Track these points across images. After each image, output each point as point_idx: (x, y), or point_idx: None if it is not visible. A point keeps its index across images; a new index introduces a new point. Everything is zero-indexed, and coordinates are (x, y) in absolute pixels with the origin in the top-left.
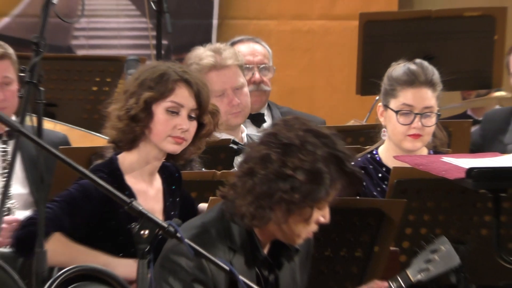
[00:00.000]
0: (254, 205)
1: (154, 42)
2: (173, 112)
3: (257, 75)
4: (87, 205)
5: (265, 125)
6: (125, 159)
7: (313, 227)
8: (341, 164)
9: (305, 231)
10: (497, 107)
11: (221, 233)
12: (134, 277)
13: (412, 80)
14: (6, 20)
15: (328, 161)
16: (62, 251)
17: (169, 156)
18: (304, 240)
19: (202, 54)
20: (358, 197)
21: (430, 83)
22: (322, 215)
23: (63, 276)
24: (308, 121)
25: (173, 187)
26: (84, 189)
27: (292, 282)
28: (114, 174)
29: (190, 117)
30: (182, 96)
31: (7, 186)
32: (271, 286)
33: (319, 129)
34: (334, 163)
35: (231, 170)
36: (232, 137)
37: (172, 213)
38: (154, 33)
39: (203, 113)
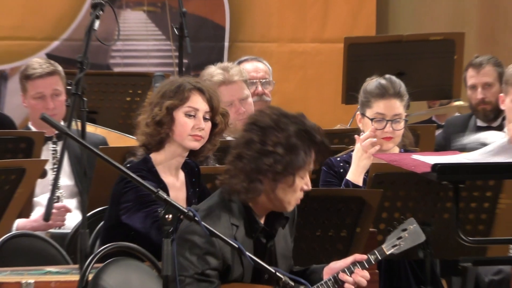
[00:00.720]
0: (246, 181)
1: (176, 61)
2: (191, 115)
3: (259, 88)
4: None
5: None
6: (156, 158)
7: (299, 194)
8: (311, 136)
9: (293, 198)
10: (457, 114)
11: (224, 212)
12: None
13: (383, 93)
14: (56, 43)
15: (300, 135)
16: None
17: (190, 154)
18: (292, 207)
19: (213, 72)
20: (343, 187)
21: (398, 95)
22: (304, 183)
23: (102, 252)
24: (278, 107)
25: (194, 180)
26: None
27: (285, 245)
28: (151, 171)
29: (205, 119)
30: (197, 101)
31: (56, 178)
32: (270, 251)
33: (288, 112)
34: (305, 136)
35: None
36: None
37: (193, 201)
38: (176, 54)
39: (215, 114)
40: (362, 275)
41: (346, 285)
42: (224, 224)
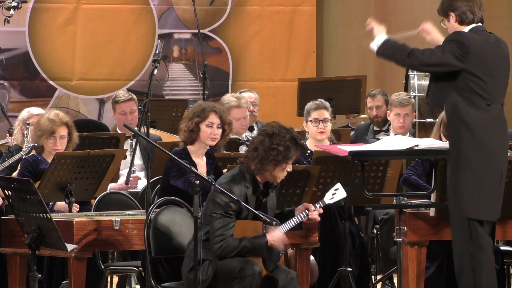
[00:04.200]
0: (258, 163)
1: (201, 92)
2: (209, 126)
3: (251, 108)
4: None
5: (254, 131)
6: (190, 148)
7: (285, 174)
8: (297, 142)
9: (282, 175)
10: (362, 122)
11: (241, 178)
12: None
13: (317, 107)
14: (132, 82)
15: (291, 140)
16: None
17: (210, 146)
18: (280, 180)
19: (230, 99)
20: (297, 164)
21: (325, 107)
22: (288, 167)
23: (158, 202)
24: (279, 123)
25: (211, 161)
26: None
27: (273, 202)
28: (188, 155)
29: (218, 127)
30: (213, 118)
31: (132, 160)
32: (264, 204)
33: (284, 125)
34: (294, 141)
35: (239, 152)
36: (238, 137)
37: (211, 174)
38: (201, 88)
39: (224, 124)
40: (318, 211)
41: (311, 216)
42: (241, 185)
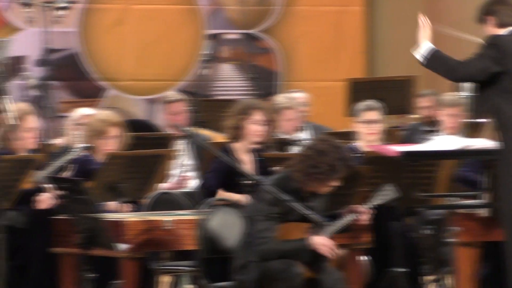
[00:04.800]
0: (301, 177)
1: (250, 92)
2: (254, 123)
3: (301, 108)
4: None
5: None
6: (235, 146)
7: (330, 188)
8: (345, 162)
9: (326, 190)
10: (413, 122)
11: (284, 184)
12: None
13: (367, 108)
14: (182, 82)
15: (339, 159)
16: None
17: (256, 143)
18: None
19: (282, 100)
20: None
21: (376, 109)
22: (334, 184)
23: (210, 202)
24: (332, 138)
25: (258, 159)
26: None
27: (320, 205)
28: (228, 152)
29: (262, 125)
30: (257, 115)
31: (183, 160)
32: (311, 208)
33: (337, 143)
34: (342, 161)
35: (289, 153)
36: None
37: (258, 171)
38: (250, 88)
39: (268, 121)
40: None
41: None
42: (284, 190)
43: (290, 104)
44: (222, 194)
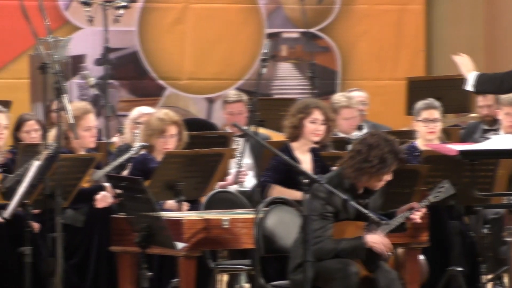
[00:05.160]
0: (353, 172)
1: (310, 91)
2: (313, 122)
3: (360, 107)
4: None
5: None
6: (294, 145)
7: (382, 183)
8: (396, 156)
9: (379, 185)
10: (472, 121)
11: (338, 182)
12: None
13: (427, 106)
14: (241, 81)
15: (390, 153)
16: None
17: (314, 143)
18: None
19: (340, 99)
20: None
21: (435, 107)
22: (387, 177)
23: (268, 200)
24: (382, 132)
25: (317, 158)
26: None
27: (375, 204)
28: (289, 152)
29: (321, 124)
30: (317, 114)
31: (241, 159)
32: (365, 207)
33: (387, 136)
34: (393, 154)
35: (347, 151)
36: (347, 136)
37: (316, 170)
38: (309, 86)
39: (327, 121)
40: (421, 211)
41: (413, 218)
42: (337, 189)
43: (348, 103)
44: (278, 189)
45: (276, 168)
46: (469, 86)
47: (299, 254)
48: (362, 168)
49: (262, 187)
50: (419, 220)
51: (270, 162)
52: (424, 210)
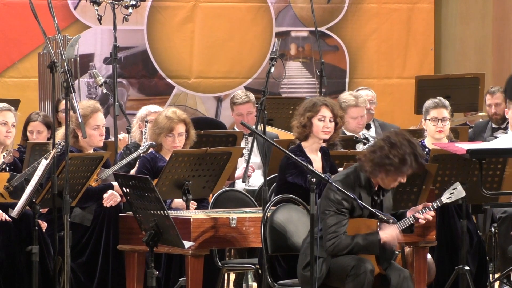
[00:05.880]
0: (372, 167)
1: (318, 90)
2: (321, 120)
3: (368, 106)
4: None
5: (371, 130)
6: (304, 145)
7: (397, 184)
8: (416, 158)
9: (393, 185)
10: (480, 120)
11: (355, 178)
12: None
13: (436, 105)
14: (249, 80)
15: (411, 155)
16: None
17: (324, 141)
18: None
19: (348, 97)
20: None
21: (444, 106)
22: (402, 179)
23: (275, 200)
24: (406, 133)
25: (326, 157)
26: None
27: (388, 203)
28: (302, 152)
29: (330, 121)
30: (324, 112)
31: (249, 157)
32: (380, 204)
33: (411, 138)
34: (413, 157)
35: (355, 150)
36: (355, 135)
37: (327, 170)
38: (318, 86)
39: (336, 118)
40: (430, 214)
41: (420, 220)
42: (354, 184)
43: (356, 102)
44: None
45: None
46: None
47: (309, 252)
48: (381, 164)
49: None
50: (423, 221)
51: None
52: (433, 213)
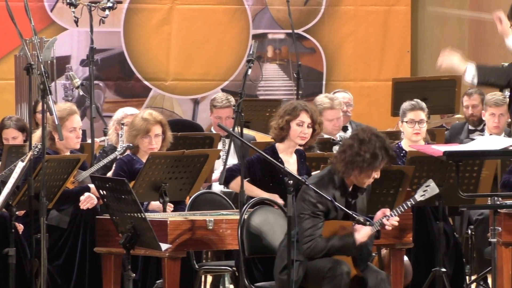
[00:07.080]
0: (344, 167)
1: (295, 92)
2: (300, 125)
3: (345, 108)
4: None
5: (348, 132)
6: (279, 146)
7: (371, 180)
8: (387, 151)
9: (368, 181)
10: (457, 122)
11: (329, 180)
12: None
13: (413, 107)
14: (226, 82)
15: (381, 149)
16: (249, 189)
17: (300, 144)
18: (367, 185)
19: (323, 100)
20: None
21: (421, 108)
22: (376, 174)
23: (252, 201)
24: (373, 128)
25: (302, 160)
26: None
27: (362, 204)
28: (275, 153)
29: (308, 127)
30: (304, 117)
31: (226, 159)
32: (354, 206)
33: (378, 132)
34: (384, 150)
35: (332, 152)
36: (332, 137)
37: (301, 172)
38: (295, 88)
39: (314, 124)
40: (395, 220)
41: (386, 226)
42: (328, 186)
43: (331, 104)
44: (248, 186)
45: (251, 164)
46: (469, 78)
47: (286, 254)
48: (353, 162)
49: (226, 176)
50: (389, 228)
51: (249, 158)
52: (397, 219)
